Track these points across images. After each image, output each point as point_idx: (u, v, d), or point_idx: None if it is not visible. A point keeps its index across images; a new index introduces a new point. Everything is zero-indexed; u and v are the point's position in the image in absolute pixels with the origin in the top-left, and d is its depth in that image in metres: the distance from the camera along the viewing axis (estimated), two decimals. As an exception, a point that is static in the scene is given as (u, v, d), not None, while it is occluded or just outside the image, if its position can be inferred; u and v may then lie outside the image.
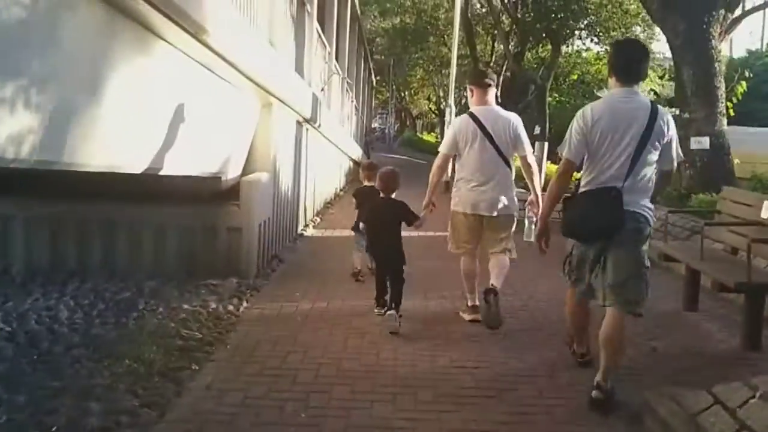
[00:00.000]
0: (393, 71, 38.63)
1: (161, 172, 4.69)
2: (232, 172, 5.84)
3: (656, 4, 9.15)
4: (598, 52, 24.17)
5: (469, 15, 23.81)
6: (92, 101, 3.58)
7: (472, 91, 4.60)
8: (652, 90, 20.77)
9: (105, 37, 3.48)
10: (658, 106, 3.29)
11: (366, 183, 5.60)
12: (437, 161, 4.64)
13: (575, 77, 27.82)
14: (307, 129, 8.28)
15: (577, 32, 18.49)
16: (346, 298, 5.18)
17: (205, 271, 5.49)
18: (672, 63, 9.86)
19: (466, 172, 4.45)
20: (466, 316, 4.59)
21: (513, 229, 4.58)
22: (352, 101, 15.13)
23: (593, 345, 3.49)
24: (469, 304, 4.61)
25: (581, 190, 3.33)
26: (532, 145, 4.99)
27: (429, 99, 43.43)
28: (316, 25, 8.37)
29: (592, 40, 19.36)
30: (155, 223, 5.65)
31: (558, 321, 4.34)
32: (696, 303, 4.94)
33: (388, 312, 4.32)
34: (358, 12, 14.66)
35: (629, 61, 3.32)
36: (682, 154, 3.46)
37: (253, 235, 5.67)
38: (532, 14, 18.02)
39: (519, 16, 21.25)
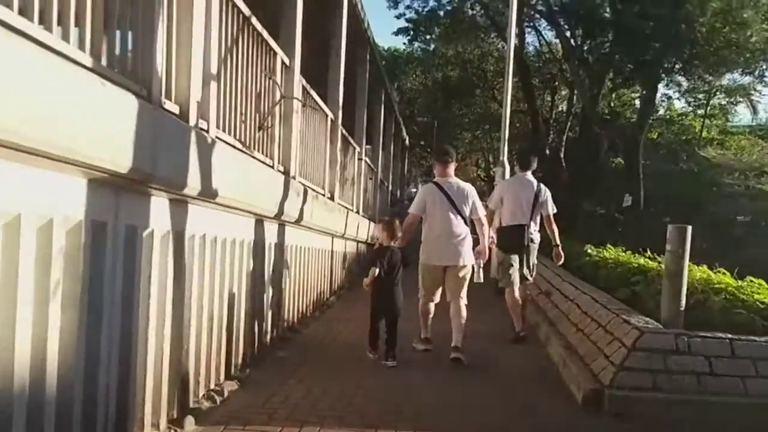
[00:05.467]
0: (436, 134, 34.43)
1: None
2: None
3: None
4: (690, 102, 19.23)
5: (525, 59, 19.53)
6: None
7: (434, 165, 5.88)
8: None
9: None
10: (540, 183, 6.42)
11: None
12: (408, 219, 5.56)
13: (656, 136, 22.99)
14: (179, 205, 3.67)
15: (677, 67, 13.30)
16: None
17: None
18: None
19: (434, 231, 5.42)
20: (420, 346, 5.59)
21: (469, 277, 5.50)
22: (360, 159, 10.49)
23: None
24: (422, 336, 5.63)
25: (503, 225, 6.29)
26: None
27: (477, 165, 39.17)
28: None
29: (699, 77, 14.27)
30: None
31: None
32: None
33: (390, 364, 5.04)
34: (369, 33, 10.24)
35: (526, 158, 6.68)
36: (555, 207, 6.48)
37: None
38: (609, 44, 13.33)
39: (587, 56, 16.83)
